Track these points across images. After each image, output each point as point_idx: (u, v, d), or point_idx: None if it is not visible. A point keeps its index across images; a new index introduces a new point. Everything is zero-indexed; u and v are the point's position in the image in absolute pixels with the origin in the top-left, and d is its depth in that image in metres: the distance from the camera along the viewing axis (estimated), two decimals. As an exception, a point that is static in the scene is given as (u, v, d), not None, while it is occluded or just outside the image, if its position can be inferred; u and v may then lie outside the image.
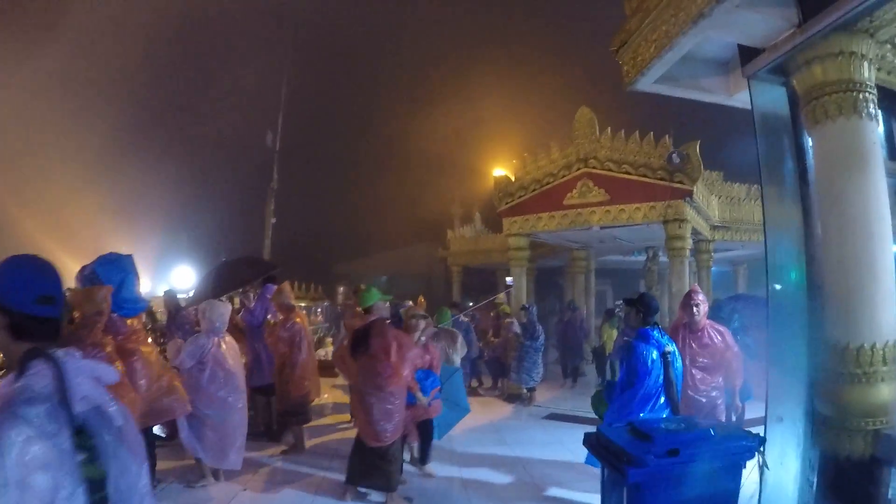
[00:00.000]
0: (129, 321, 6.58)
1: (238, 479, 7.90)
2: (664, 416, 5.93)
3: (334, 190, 38.09)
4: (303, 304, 21.34)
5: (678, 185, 12.55)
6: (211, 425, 7.50)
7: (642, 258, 21.95)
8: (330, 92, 35.46)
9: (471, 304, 23.27)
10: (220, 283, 11.42)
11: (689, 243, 13.10)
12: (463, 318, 14.55)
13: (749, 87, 5.28)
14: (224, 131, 29.35)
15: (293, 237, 30.84)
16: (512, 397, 14.09)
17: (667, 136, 12.82)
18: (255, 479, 8.07)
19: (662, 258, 18.46)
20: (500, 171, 18.23)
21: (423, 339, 7.88)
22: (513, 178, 14.97)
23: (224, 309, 7.99)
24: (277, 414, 9.79)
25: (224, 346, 7.80)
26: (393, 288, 35.44)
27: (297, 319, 9.64)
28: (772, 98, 5.25)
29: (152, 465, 7.11)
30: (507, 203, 14.89)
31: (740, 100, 6.02)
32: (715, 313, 13.37)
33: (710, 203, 15.46)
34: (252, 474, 8.20)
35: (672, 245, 12.90)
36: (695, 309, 7.17)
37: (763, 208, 5.38)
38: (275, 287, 10.33)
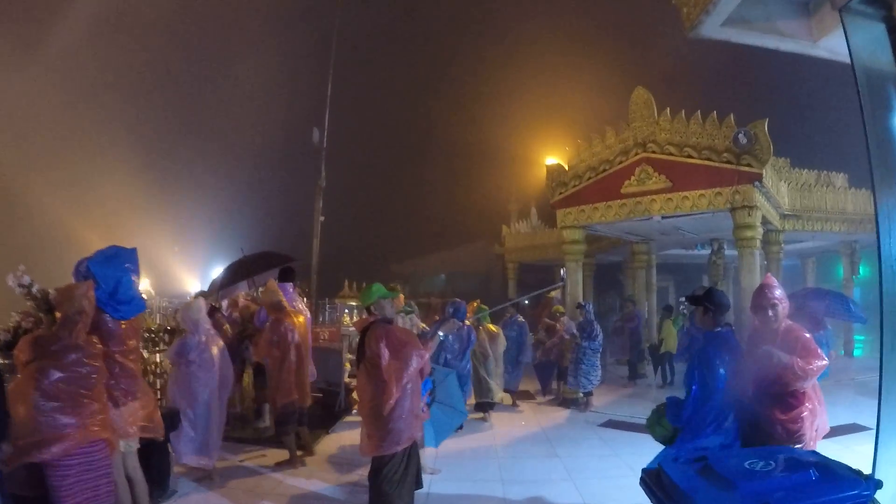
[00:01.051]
0: (123, 324, 5.90)
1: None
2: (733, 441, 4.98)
3: (387, 187, 37.41)
4: (353, 304, 20.72)
5: (746, 169, 11.50)
6: (192, 423, 7.56)
7: (706, 252, 20.93)
8: (378, 87, 34.80)
9: (526, 302, 22.51)
10: (228, 277, 10.76)
11: (759, 233, 12.01)
12: (520, 318, 13.66)
13: (843, 23, 4.17)
14: (271, 129, 28.83)
15: (345, 236, 30.23)
16: (567, 402, 13.16)
17: (731, 116, 11.77)
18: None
19: (728, 251, 17.48)
20: (552, 160, 17.11)
21: None
22: (566, 167, 14.01)
23: (200, 305, 8.12)
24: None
25: (211, 344, 7.91)
26: (451, 287, 35.36)
27: (290, 320, 8.88)
28: (870, 38, 4.18)
29: (165, 475, 7.17)
30: (560, 193, 13.91)
31: (826, 47, 5.01)
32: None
33: (780, 189, 14.34)
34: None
35: (741, 235, 11.81)
36: (770, 311, 5.29)
37: (872, 183, 4.28)
38: (289, 287, 9.67)
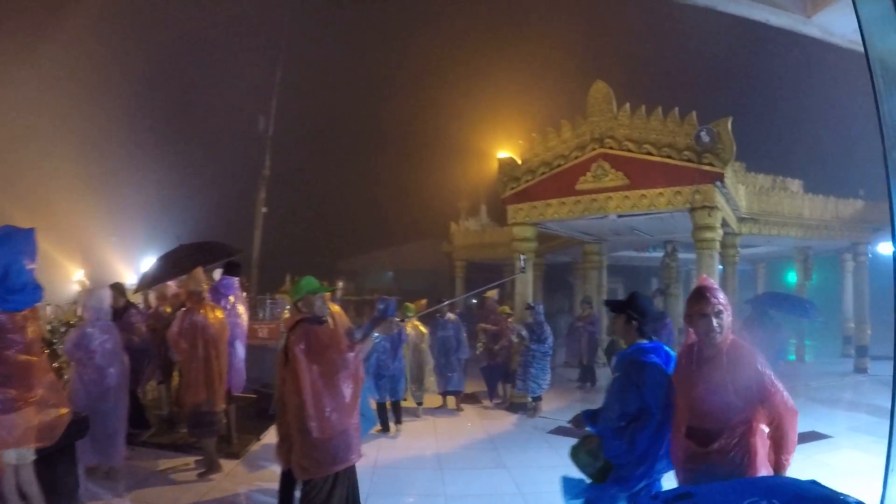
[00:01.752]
0: (18, 316, 5.16)
1: None
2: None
3: (335, 180, 36.63)
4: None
5: (707, 168, 11.01)
6: (95, 419, 6.90)
7: (658, 254, 20.58)
8: (329, 76, 33.94)
9: (474, 301, 22.01)
10: (165, 269, 10.07)
11: (719, 234, 11.57)
12: (451, 316, 13.02)
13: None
14: (215, 115, 27.96)
15: (288, 229, 29.53)
16: (515, 407, 12.58)
17: (693, 113, 11.28)
18: None
19: (682, 254, 17.10)
20: (505, 154, 16.50)
21: None
22: (519, 161, 13.40)
23: (104, 294, 7.70)
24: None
25: (111, 337, 7.46)
26: (398, 284, 34.86)
27: (204, 312, 8.17)
28: (880, 11, 3.58)
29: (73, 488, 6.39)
30: (511, 188, 13.29)
31: (819, 24, 4.45)
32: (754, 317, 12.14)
33: (738, 192, 13.88)
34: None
35: (700, 236, 11.32)
36: (715, 320, 4.03)
37: (886, 171, 3.67)
38: (235, 281, 9.05)
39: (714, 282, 4.47)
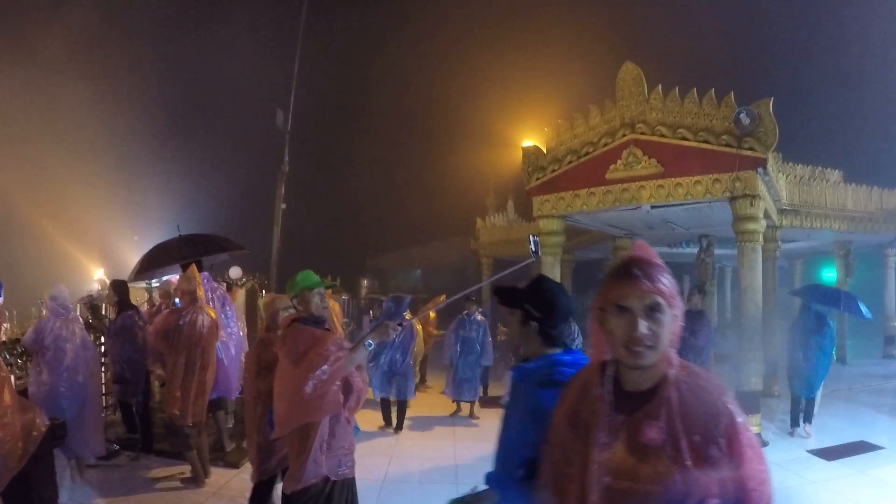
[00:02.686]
0: None
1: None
2: None
3: (359, 177, 36.09)
4: None
5: (748, 153, 10.10)
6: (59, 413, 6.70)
7: (691, 250, 19.72)
8: (349, 68, 33.34)
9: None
10: (152, 261, 9.48)
11: (762, 226, 10.65)
12: (479, 317, 12.27)
13: None
14: (232, 110, 27.45)
15: (310, 227, 28.98)
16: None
17: (731, 94, 10.39)
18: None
19: (718, 250, 16.29)
20: (529, 143, 15.66)
21: None
22: (544, 150, 12.56)
23: (62, 288, 7.61)
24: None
25: (74, 330, 7.42)
26: (426, 283, 34.38)
27: (194, 315, 7.70)
28: None
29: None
30: (537, 179, 12.46)
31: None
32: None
33: (778, 181, 12.98)
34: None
35: (742, 228, 10.42)
36: (644, 322, 2.12)
37: None
38: (206, 275, 8.57)
39: (653, 251, 2.35)
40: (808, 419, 10.88)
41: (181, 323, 7.56)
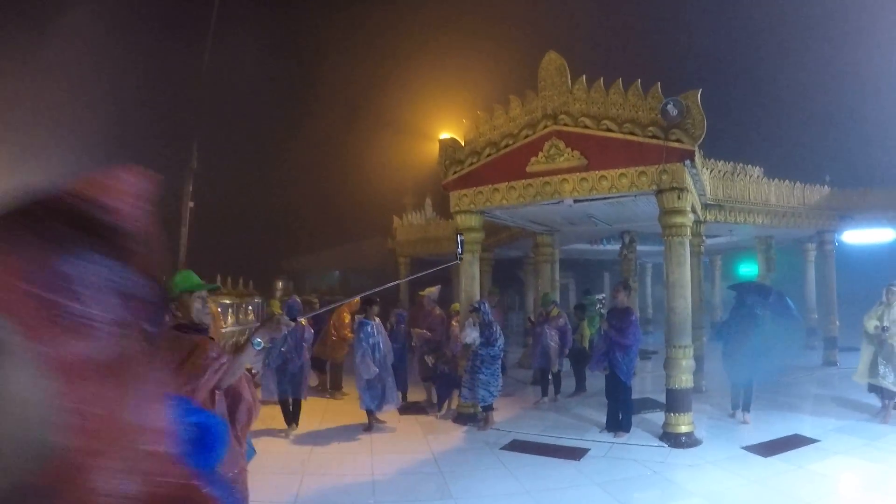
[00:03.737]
0: None
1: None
2: None
3: (271, 176, 35.12)
4: (227, 301, 18.74)
5: (675, 145, 9.70)
6: None
7: (611, 247, 19.48)
8: (260, 57, 32.23)
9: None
10: None
11: (690, 219, 10.27)
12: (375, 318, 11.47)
13: None
14: (140, 102, 26.35)
15: (220, 227, 28.05)
16: (463, 418, 11.20)
17: (658, 84, 9.97)
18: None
19: (639, 247, 16.00)
20: (447, 136, 15.07)
21: None
22: (462, 142, 12.01)
23: None
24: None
25: None
26: (343, 284, 33.65)
27: None
28: None
29: None
30: (454, 173, 11.88)
31: None
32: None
33: (702, 175, 12.62)
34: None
35: (669, 222, 10.00)
36: None
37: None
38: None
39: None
40: (746, 408, 10.92)
41: None
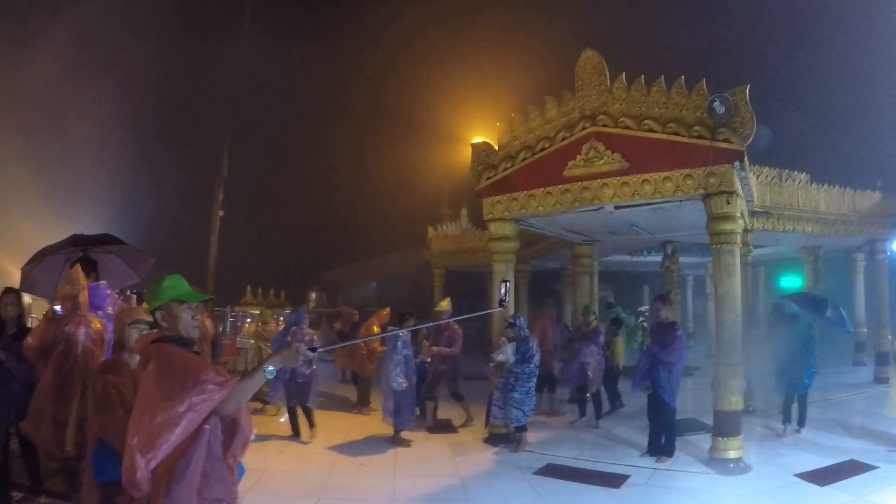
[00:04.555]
0: None
1: None
2: None
3: (304, 185, 34.81)
4: (257, 311, 18.37)
5: (723, 145, 8.96)
6: None
7: (652, 258, 18.77)
8: (292, 67, 31.90)
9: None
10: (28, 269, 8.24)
11: (740, 226, 9.56)
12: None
13: None
14: (170, 112, 26.13)
15: (250, 236, 27.78)
16: (495, 439, 10.53)
17: (703, 81, 9.28)
18: None
19: (682, 258, 15.33)
20: (480, 140, 14.42)
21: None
22: (496, 147, 11.38)
23: None
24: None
25: None
26: (380, 296, 33.31)
27: (75, 323, 6.38)
28: None
29: None
30: (487, 178, 11.27)
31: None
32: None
33: (750, 179, 11.90)
34: None
35: (717, 228, 9.24)
36: None
37: None
38: (103, 287, 7.21)
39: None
40: (801, 422, 10.75)
41: (60, 334, 6.26)
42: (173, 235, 24.28)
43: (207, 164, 20.95)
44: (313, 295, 29.12)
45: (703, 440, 9.73)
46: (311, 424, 10.79)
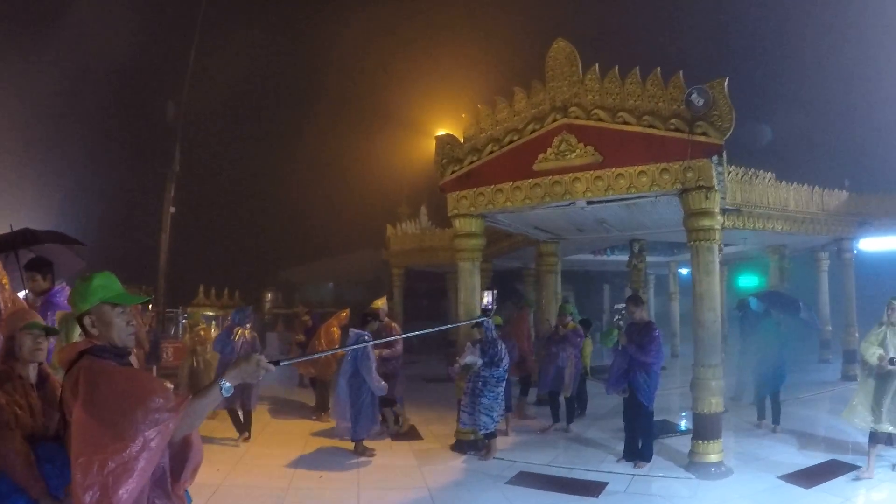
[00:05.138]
0: None
1: None
2: None
3: (259, 180, 34.15)
4: (210, 313, 17.78)
5: (701, 139, 8.58)
6: None
7: (615, 257, 18.47)
8: (250, 59, 31.09)
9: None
10: None
11: (719, 222, 9.20)
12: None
13: None
14: (112, 100, 25.35)
15: (204, 235, 27.09)
16: (462, 446, 10.03)
17: (680, 73, 8.89)
18: None
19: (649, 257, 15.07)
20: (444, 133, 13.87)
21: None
22: (461, 139, 10.87)
23: None
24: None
25: None
26: (337, 296, 32.73)
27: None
28: None
29: None
30: (452, 172, 10.74)
31: None
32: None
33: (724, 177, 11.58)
34: None
35: (696, 224, 8.87)
36: None
37: None
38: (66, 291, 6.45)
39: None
40: (776, 420, 10.83)
41: None
42: (122, 233, 23.56)
43: (158, 159, 20.31)
44: (269, 295, 28.62)
45: (679, 443, 9.52)
46: (246, 430, 10.60)
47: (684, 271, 23.75)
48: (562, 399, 11.44)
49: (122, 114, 25.17)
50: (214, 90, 26.20)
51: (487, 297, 5.07)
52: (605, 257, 20.79)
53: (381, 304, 11.50)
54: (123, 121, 25.29)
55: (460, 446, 10.03)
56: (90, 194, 22.80)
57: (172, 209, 19.63)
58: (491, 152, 10.37)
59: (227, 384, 2.96)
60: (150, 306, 18.05)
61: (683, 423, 11.18)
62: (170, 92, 20.74)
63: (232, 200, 32.26)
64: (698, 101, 8.45)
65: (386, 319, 11.57)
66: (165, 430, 2.74)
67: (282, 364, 3.40)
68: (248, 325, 11.12)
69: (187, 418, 2.87)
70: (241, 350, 10.38)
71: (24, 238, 7.39)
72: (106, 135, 25.07)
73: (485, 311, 4.80)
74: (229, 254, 30.39)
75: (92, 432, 2.69)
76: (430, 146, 11.70)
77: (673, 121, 8.74)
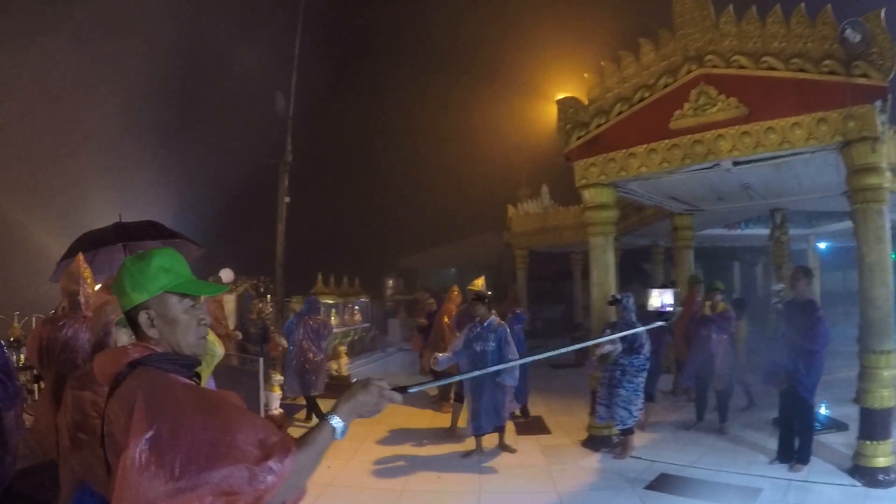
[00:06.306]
0: None
1: None
2: None
3: (375, 170, 33.78)
4: (330, 301, 17.27)
5: (861, 81, 7.35)
6: None
7: (749, 231, 17.03)
8: (360, 42, 30.63)
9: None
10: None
11: (888, 179, 7.83)
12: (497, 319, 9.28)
13: None
14: (230, 96, 25.25)
15: (321, 224, 26.84)
16: (595, 442, 9.05)
17: (828, 7, 7.68)
18: None
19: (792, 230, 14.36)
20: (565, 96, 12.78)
21: None
22: (585, 101, 9.79)
23: None
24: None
25: None
26: (461, 281, 32.08)
27: (74, 325, 5.29)
28: None
29: None
30: (578, 138, 9.68)
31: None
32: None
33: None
34: None
35: (862, 183, 7.63)
36: None
37: None
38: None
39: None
40: None
41: (56, 338, 5.13)
42: (238, 225, 23.45)
43: (272, 150, 20.00)
44: (390, 282, 28.22)
45: (834, 440, 8.46)
46: (310, 416, 10.84)
47: (822, 245, 21.96)
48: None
49: (234, 107, 25.06)
50: (324, 79, 25.92)
51: (664, 297, 4.05)
52: (738, 231, 19.29)
53: (480, 283, 10.50)
54: (236, 114, 25.18)
55: (593, 443, 9.09)
56: (208, 189, 22.82)
57: (287, 199, 19.45)
58: (620, 113, 9.33)
59: (340, 423, 2.08)
60: (269, 296, 17.77)
61: (834, 417, 9.82)
62: (280, 82, 20.48)
63: (348, 188, 32.02)
64: (854, 36, 7.24)
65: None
66: (268, 486, 1.88)
67: (410, 391, 2.42)
68: (318, 315, 11.51)
69: (296, 474, 1.99)
70: (305, 338, 10.65)
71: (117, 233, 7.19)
72: (220, 129, 25.08)
73: (663, 316, 3.88)
74: (347, 241, 30.19)
75: (151, 482, 1.79)
76: (549, 113, 10.73)
77: (826, 62, 7.56)
